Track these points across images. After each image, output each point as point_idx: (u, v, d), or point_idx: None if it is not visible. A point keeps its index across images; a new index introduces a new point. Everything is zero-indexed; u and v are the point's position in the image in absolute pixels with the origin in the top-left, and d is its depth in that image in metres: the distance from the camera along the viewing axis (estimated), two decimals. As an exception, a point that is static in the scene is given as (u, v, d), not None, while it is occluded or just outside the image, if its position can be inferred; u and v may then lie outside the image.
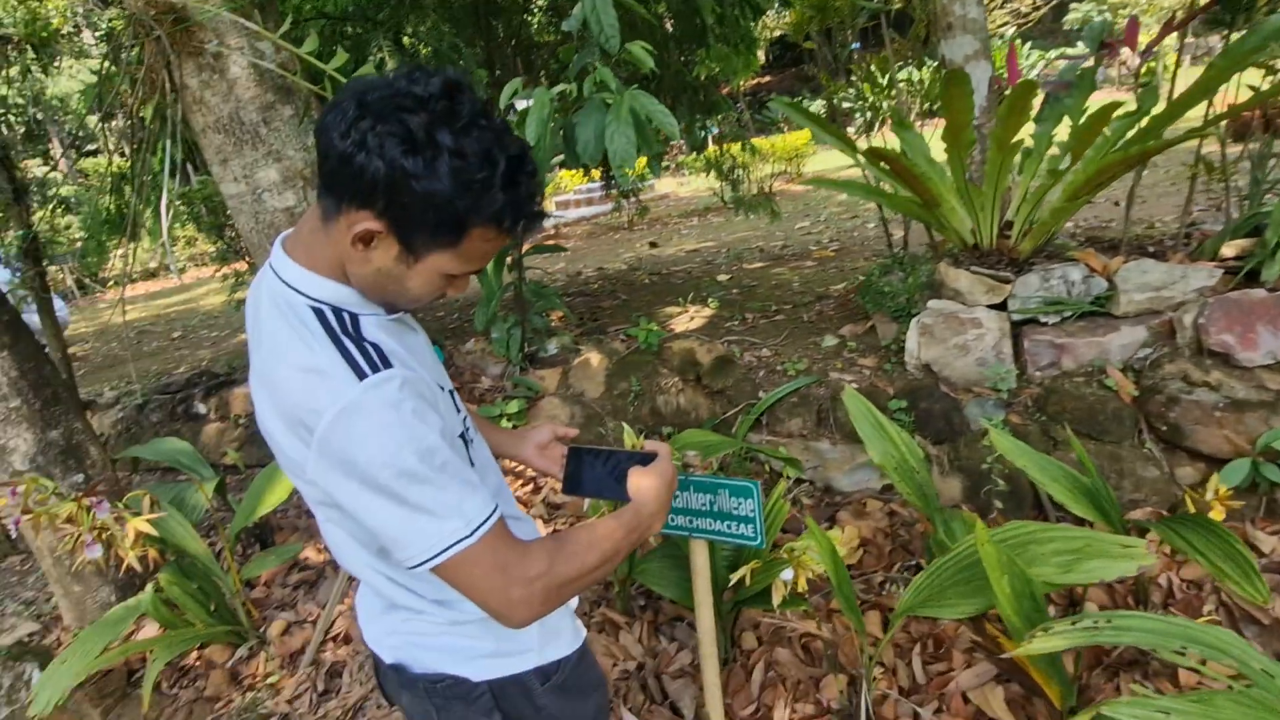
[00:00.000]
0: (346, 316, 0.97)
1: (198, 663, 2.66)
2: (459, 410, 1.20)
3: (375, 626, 1.23)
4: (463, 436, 1.09)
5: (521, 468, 3.20)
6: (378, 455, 0.88)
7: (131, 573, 2.39)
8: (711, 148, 5.47)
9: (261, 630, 2.65)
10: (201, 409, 4.32)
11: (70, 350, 6.96)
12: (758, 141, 11.28)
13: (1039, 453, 2.01)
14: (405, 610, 1.17)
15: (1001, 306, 2.64)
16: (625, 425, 1.90)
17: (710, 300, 4.18)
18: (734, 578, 1.86)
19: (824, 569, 1.71)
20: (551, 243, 9.44)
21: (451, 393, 1.19)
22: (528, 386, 3.34)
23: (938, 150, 2.65)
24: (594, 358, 3.34)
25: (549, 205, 12.90)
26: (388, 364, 0.92)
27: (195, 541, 2.50)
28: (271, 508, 2.43)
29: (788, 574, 1.75)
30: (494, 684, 1.16)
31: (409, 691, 1.21)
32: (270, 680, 2.47)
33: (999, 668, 1.91)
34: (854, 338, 3.15)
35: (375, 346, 0.94)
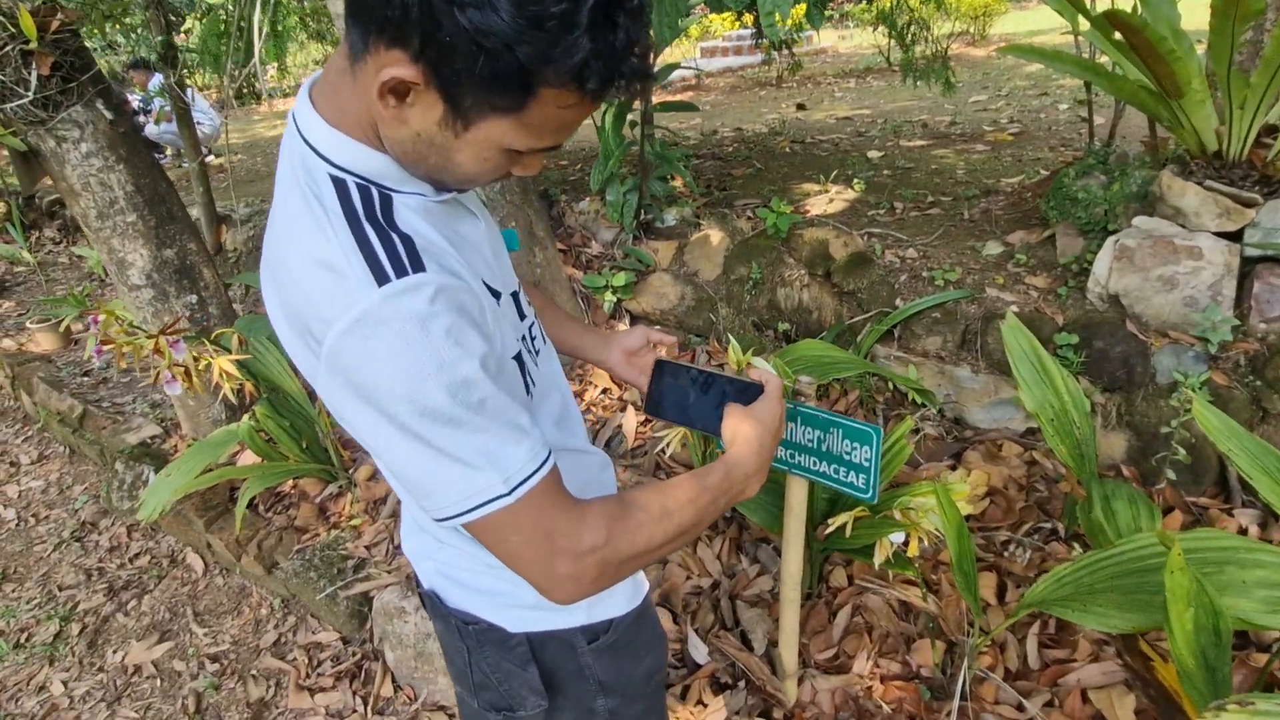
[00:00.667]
0: (375, 195, 0.72)
1: (292, 490, 2.74)
2: (523, 317, 0.96)
3: (411, 541, 1.08)
4: (519, 357, 0.85)
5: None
6: (396, 386, 0.66)
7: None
8: (887, -3, 4.67)
9: (350, 471, 2.68)
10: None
11: (217, 161, 7.25)
12: None
13: (1251, 435, 1.58)
14: (435, 539, 1.00)
15: (1235, 236, 2.08)
16: (732, 338, 1.61)
17: (856, 181, 3.67)
18: (832, 523, 1.61)
19: (942, 536, 1.43)
20: (686, 98, 8.79)
21: (516, 295, 0.95)
22: (639, 258, 3.07)
23: (1192, 19, 2.02)
24: (714, 235, 3.00)
25: (692, 51, 11.97)
26: (420, 265, 0.67)
27: (289, 379, 2.48)
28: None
29: (898, 537, 1.48)
30: (533, 636, 0.99)
31: (442, 622, 1.06)
32: (354, 522, 2.51)
33: (1131, 673, 1.61)
34: (1024, 248, 2.64)
35: (407, 239, 0.69)
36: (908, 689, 1.72)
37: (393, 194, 0.73)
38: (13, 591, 2.68)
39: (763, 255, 2.84)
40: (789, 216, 2.75)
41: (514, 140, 0.69)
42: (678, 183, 3.72)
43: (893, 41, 4.36)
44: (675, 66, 3.18)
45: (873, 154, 4.46)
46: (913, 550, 1.50)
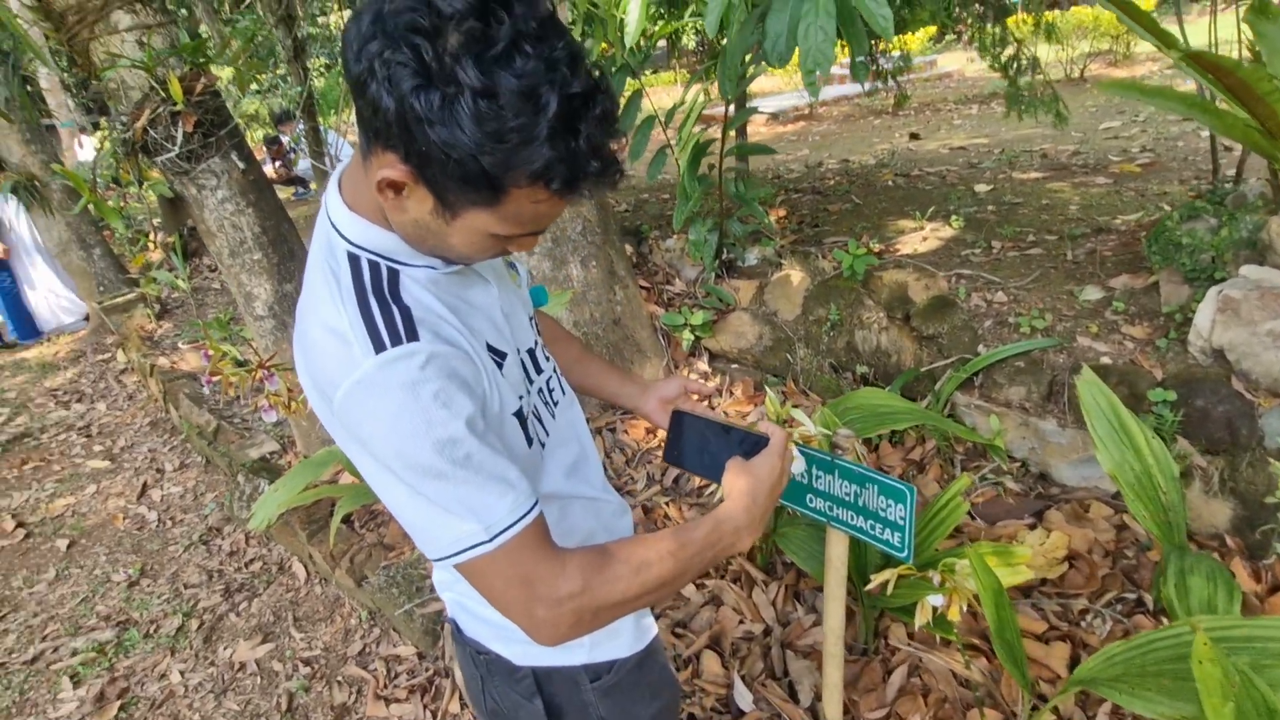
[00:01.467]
0: (385, 270, 0.82)
1: (384, 510, 2.94)
2: (539, 371, 1.04)
3: (438, 574, 1.17)
4: (520, 413, 0.92)
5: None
6: (389, 442, 0.76)
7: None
8: (1000, 23, 4.50)
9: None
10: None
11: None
12: (1079, 12, 9.28)
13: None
14: (452, 573, 1.09)
15: (1359, 288, 1.88)
16: (769, 390, 1.63)
17: (954, 218, 3.55)
18: (875, 579, 1.58)
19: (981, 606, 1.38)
20: (796, 128, 8.73)
21: (532, 352, 1.03)
22: (719, 297, 3.11)
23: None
24: (795, 275, 3.00)
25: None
26: (414, 335, 0.77)
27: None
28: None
29: (936, 600, 1.44)
30: (538, 670, 1.06)
31: (461, 649, 1.15)
32: (435, 543, 2.66)
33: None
34: (1126, 295, 2.48)
35: (406, 311, 0.79)
36: (958, 759, 1.65)
37: (401, 268, 0.83)
38: (148, 586, 3.03)
39: (841, 297, 2.81)
40: (865, 258, 2.72)
41: (497, 228, 0.77)
42: (775, 215, 3.74)
43: (1002, 74, 4.20)
44: (752, 111, 3.21)
45: (980, 188, 4.30)
46: (953, 614, 1.45)
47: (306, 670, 2.47)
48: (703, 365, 3.09)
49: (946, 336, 2.53)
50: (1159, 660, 1.26)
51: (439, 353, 0.77)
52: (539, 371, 1.04)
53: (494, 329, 0.91)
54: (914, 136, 7.06)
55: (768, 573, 2.17)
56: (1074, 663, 1.82)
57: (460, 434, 0.76)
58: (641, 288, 3.28)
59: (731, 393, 2.95)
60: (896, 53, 5.72)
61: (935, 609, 1.49)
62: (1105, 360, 2.22)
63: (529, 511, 0.80)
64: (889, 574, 1.57)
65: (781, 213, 4.11)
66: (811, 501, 1.58)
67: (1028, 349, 2.35)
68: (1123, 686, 1.26)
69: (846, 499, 1.51)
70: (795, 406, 1.66)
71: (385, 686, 2.33)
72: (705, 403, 2.96)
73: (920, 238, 3.37)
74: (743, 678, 1.88)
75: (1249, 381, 2.01)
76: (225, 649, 2.63)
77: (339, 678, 2.41)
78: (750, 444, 1.03)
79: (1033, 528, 2.16)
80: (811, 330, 2.89)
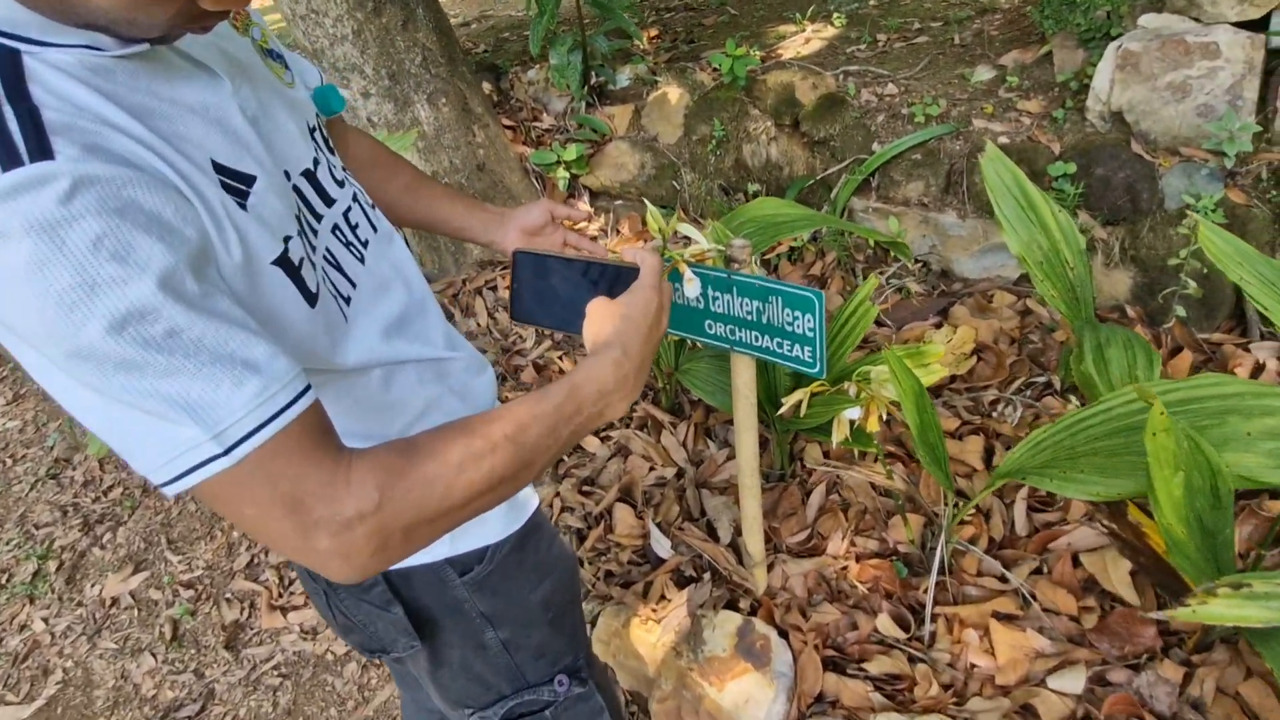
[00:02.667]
0: (4, 53, 0.51)
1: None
2: (327, 201, 0.76)
3: None
4: (285, 260, 0.64)
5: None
6: (35, 321, 0.48)
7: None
8: None
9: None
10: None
11: None
12: None
13: (1266, 258, 1.35)
14: None
15: (1259, 25, 1.76)
16: (649, 204, 1.39)
17: (836, 16, 3.27)
18: (786, 402, 1.44)
19: (901, 412, 1.25)
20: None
21: (311, 174, 0.74)
22: (593, 127, 2.78)
23: None
24: (672, 92, 2.69)
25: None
26: (45, 150, 0.47)
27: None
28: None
29: (853, 413, 1.31)
30: (391, 575, 0.86)
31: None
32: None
33: (1120, 542, 1.46)
34: (1018, 70, 2.32)
35: (33, 114, 0.48)
36: (883, 567, 1.60)
37: (26, 49, 0.51)
38: (-9, 534, 2.66)
39: (725, 110, 2.54)
40: (745, 59, 2.43)
41: None
42: (647, 36, 3.34)
43: None
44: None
45: (858, -15, 3.99)
46: (871, 425, 1.33)
47: (189, 593, 2.24)
48: (584, 205, 2.81)
49: (839, 138, 2.33)
50: (1090, 439, 1.17)
51: (94, 176, 0.48)
52: (328, 202, 0.76)
53: (227, 141, 0.61)
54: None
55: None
56: (988, 454, 1.78)
57: (150, 299, 0.48)
58: (506, 128, 2.90)
59: (618, 230, 2.71)
60: None
61: (852, 422, 1.37)
62: (1003, 140, 2.08)
63: (291, 403, 0.54)
64: (800, 394, 1.43)
65: (653, 33, 3.71)
66: (711, 328, 1.40)
67: (924, 139, 2.18)
68: (1054, 472, 1.17)
69: (748, 318, 1.33)
70: (682, 220, 1.44)
71: (280, 596, 2.13)
72: (581, 233, 2.71)
73: (803, 40, 3.09)
74: (659, 525, 1.77)
75: (1148, 143, 1.91)
76: (93, 587, 2.35)
77: (227, 595, 2.19)
78: (615, 279, 0.80)
79: (939, 326, 2.08)
80: (696, 152, 2.63)
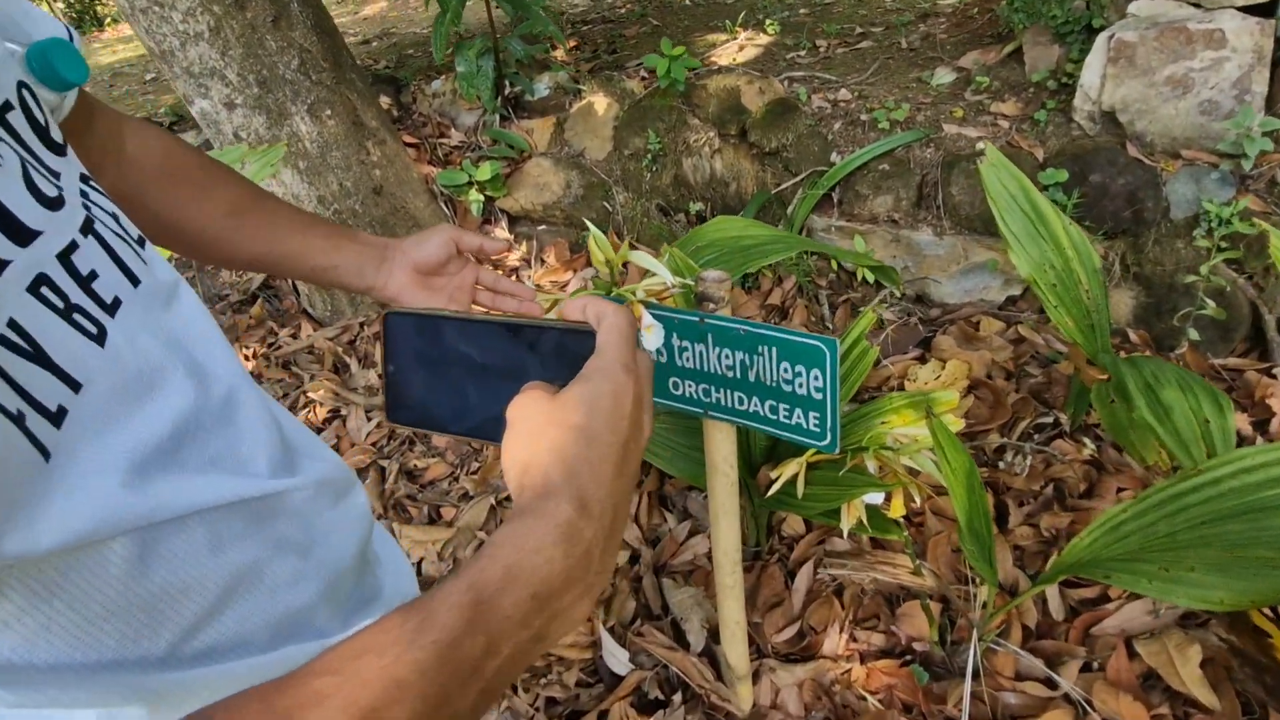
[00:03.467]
0: None
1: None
2: (12, 238, 0.38)
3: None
4: None
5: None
6: None
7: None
8: None
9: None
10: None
11: None
12: None
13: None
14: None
15: (1267, 10, 1.56)
16: (591, 226, 1.06)
17: (769, 23, 3.03)
18: (776, 475, 1.11)
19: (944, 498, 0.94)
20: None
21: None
22: (509, 143, 2.43)
23: None
24: (599, 102, 2.37)
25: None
26: None
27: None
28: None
29: (874, 498, 0.98)
30: None
31: None
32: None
33: (1239, 657, 1.18)
34: (982, 71, 2.10)
35: None
36: (898, 672, 1.28)
37: None
38: None
39: (660, 119, 2.23)
40: (685, 61, 2.13)
41: None
42: (558, 52, 3.01)
43: None
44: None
45: (787, -4, 3.80)
46: (896, 510, 1.01)
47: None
48: (501, 232, 2.44)
49: (793, 149, 2.05)
50: (1194, 522, 0.87)
51: None
52: (20, 237, 0.38)
53: None
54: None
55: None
56: (1001, 515, 1.50)
57: None
58: (409, 146, 2.51)
59: (543, 260, 2.35)
60: None
61: (861, 508, 1.04)
62: (981, 146, 1.83)
63: None
64: (794, 466, 1.10)
65: (571, 43, 3.41)
66: (676, 388, 1.06)
67: (890, 147, 1.91)
68: (1147, 569, 0.87)
69: (729, 376, 1.00)
70: (634, 247, 1.10)
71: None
72: (499, 271, 2.34)
73: (736, 47, 2.82)
74: (611, 630, 1.40)
75: (1143, 145, 1.69)
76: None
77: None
78: (556, 350, 0.45)
79: (923, 360, 1.80)
80: (629, 168, 2.30)
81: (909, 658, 1.31)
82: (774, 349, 0.93)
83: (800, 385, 0.93)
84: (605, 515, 0.37)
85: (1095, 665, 1.24)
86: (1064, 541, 1.40)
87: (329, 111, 2.09)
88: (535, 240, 2.41)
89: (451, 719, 0.31)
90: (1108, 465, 1.54)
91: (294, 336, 2.33)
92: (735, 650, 1.25)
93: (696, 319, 0.99)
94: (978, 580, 1.27)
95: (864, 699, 1.27)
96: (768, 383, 0.96)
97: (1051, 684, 1.21)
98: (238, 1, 1.87)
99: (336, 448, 1.93)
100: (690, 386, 1.04)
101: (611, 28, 3.87)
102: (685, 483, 1.65)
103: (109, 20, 13.04)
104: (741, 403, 1.00)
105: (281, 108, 2.02)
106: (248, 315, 2.43)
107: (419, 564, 1.58)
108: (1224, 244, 1.54)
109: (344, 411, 2.00)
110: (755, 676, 1.32)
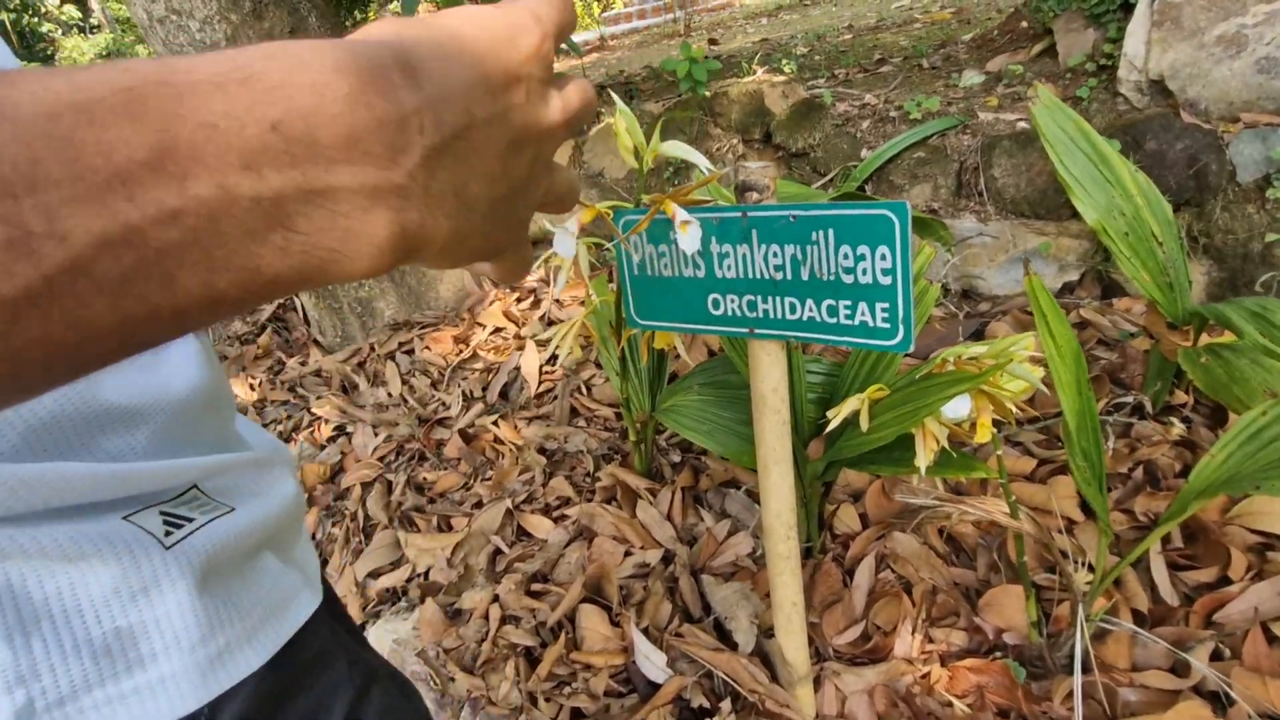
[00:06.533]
0: None
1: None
2: None
3: None
4: None
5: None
6: None
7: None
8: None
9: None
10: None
11: None
12: None
13: None
14: None
15: (1319, -42, 1.49)
16: (617, 99, 0.97)
17: (786, 63, 3.05)
18: (834, 415, 0.95)
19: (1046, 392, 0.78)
20: (589, 60, 8.22)
21: None
22: (527, 165, 2.38)
23: None
24: (619, 119, 2.33)
25: (594, 25, 11.34)
26: None
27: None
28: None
29: (960, 406, 0.83)
30: None
31: None
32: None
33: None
34: (1011, 67, 2.04)
35: None
36: (988, 669, 1.07)
37: None
38: None
39: (681, 131, 2.18)
40: (706, 64, 2.10)
41: None
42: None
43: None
44: None
45: (799, 49, 3.87)
46: (983, 433, 0.85)
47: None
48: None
49: (820, 148, 1.97)
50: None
51: None
52: None
53: None
54: (712, 42, 6.64)
55: (652, 478, 1.50)
56: (1085, 502, 1.31)
57: None
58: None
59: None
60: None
61: (943, 430, 0.88)
62: (1022, 125, 1.75)
63: None
64: (855, 402, 0.95)
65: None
66: (716, 306, 0.93)
67: (925, 135, 1.83)
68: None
69: (777, 279, 0.86)
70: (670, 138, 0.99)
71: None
72: (519, 293, 2.24)
73: (755, 83, 2.83)
74: (645, 631, 1.21)
75: (1198, 112, 1.59)
76: None
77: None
78: None
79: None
80: (650, 184, 2.24)
81: (998, 654, 1.10)
82: (830, 231, 0.80)
83: (864, 271, 0.80)
84: (444, 113, 0.22)
85: (1228, 652, 1.03)
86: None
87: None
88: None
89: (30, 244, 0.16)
90: (1203, 444, 1.36)
91: (302, 364, 2.22)
92: (793, 641, 1.05)
93: (739, 214, 0.87)
94: (1076, 560, 1.08)
95: (949, 704, 1.06)
96: (824, 277, 0.83)
97: (1179, 671, 1.00)
98: (255, 11, 1.87)
99: (340, 465, 1.79)
100: (732, 302, 0.91)
101: (628, 85, 3.95)
102: (720, 478, 1.49)
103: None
104: (793, 309, 0.87)
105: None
106: (255, 345, 2.34)
107: (426, 572, 1.41)
108: (1305, 198, 1.41)
109: (350, 428, 1.86)
110: (816, 682, 1.12)
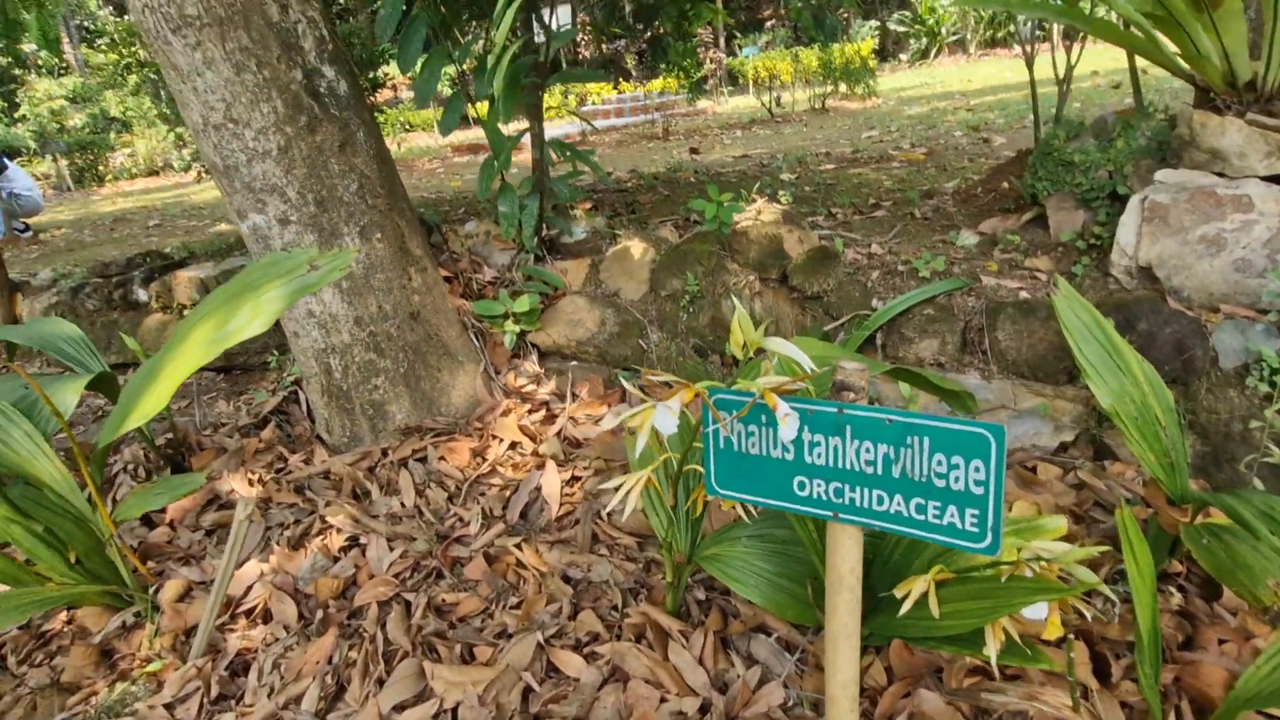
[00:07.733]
0: None
1: (66, 627, 1.88)
2: None
3: None
4: None
5: (527, 385, 2.35)
6: None
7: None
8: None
9: (152, 591, 1.86)
10: (142, 295, 3.51)
11: (39, 235, 6.40)
12: (805, 53, 9.87)
13: None
14: None
15: (1286, 180, 1.71)
16: (739, 305, 1.04)
17: (782, 194, 3.25)
18: (900, 596, 1.01)
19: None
20: (580, 146, 8.51)
21: None
22: (544, 280, 2.46)
23: None
24: (635, 247, 2.44)
25: (570, 118, 11.78)
26: None
27: (46, 463, 1.69)
28: (147, 417, 1.59)
29: (1041, 610, 0.90)
30: None
31: None
32: (151, 667, 1.69)
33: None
34: (1007, 234, 2.23)
35: None
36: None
37: None
38: None
39: (699, 263, 2.30)
40: (732, 207, 2.24)
41: None
42: (582, 209, 3.16)
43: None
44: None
45: (786, 176, 4.12)
46: (1053, 629, 0.92)
47: None
48: (531, 366, 2.41)
49: (833, 294, 2.10)
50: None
51: None
52: None
53: None
54: (694, 151, 7.01)
55: (683, 618, 1.53)
56: (1100, 668, 1.38)
57: None
58: (443, 279, 2.53)
59: (575, 395, 2.30)
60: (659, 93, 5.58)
61: (1009, 629, 0.95)
62: (1024, 295, 1.91)
63: None
64: (921, 582, 1.01)
65: (587, 205, 3.60)
66: (803, 488, 0.99)
67: (933, 293, 1.98)
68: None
69: (868, 472, 0.94)
70: (769, 334, 1.07)
71: None
72: (530, 405, 2.28)
73: (753, 213, 3.00)
74: (687, 789, 1.21)
75: (1181, 299, 1.77)
76: None
77: None
78: None
79: (983, 503, 1.74)
80: (666, 308, 2.34)
81: (1035, 828, 1.14)
82: (926, 439, 0.88)
83: (956, 479, 0.88)
84: None
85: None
86: (1177, 698, 1.29)
87: (379, 235, 2.11)
88: (568, 375, 2.38)
89: None
90: (1200, 615, 1.46)
91: (306, 462, 2.19)
92: (845, 812, 1.08)
93: (834, 409, 0.95)
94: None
95: None
96: (916, 478, 0.90)
97: None
98: (310, 125, 1.94)
99: (354, 579, 1.76)
100: (819, 486, 0.98)
101: (623, 195, 4.12)
102: (749, 623, 1.52)
103: (109, 177, 13.59)
104: (881, 502, 0.94)
105: (335, 227, 2.04)
106: (257, 438, 2.30)
107: (455, 709, 1.38)
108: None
109: (364, 540, 1.84)
110: None
